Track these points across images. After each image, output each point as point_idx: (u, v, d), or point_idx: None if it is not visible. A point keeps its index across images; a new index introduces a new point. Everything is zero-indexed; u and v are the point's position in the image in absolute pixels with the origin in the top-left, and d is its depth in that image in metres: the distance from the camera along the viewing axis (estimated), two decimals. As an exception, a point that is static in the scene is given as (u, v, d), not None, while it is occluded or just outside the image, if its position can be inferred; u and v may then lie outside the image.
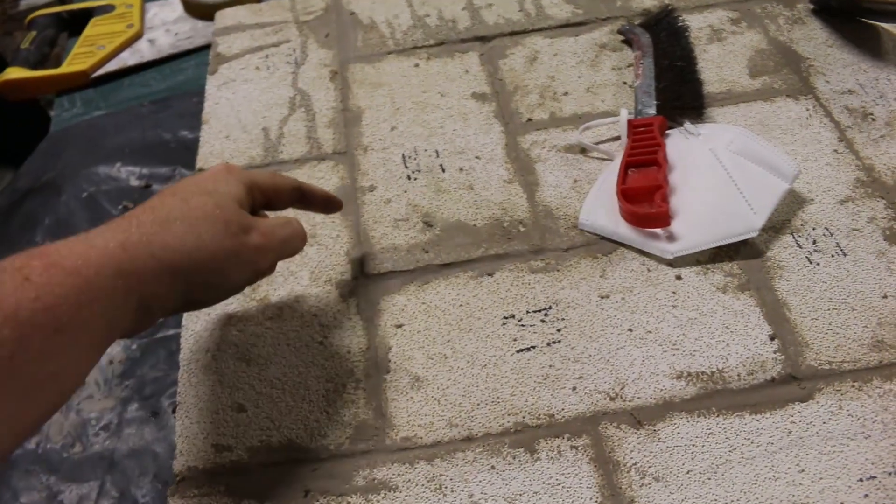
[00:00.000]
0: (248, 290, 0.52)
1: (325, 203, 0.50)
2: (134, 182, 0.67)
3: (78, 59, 0.78)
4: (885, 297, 0.49)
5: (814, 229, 0.53)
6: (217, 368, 0.49)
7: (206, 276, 0.39)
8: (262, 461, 0.45)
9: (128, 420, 0.52)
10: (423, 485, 0.43)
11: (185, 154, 0.67)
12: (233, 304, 0.52)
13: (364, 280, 0.52)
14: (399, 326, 0.50)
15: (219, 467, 0.45)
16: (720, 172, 0.53)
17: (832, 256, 0.51)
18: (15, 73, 0.77)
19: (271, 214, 0.46)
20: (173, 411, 0.51)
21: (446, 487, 0.43)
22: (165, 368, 0.54)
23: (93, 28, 0.81)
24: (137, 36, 0.81)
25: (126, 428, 0.52)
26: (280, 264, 0.52)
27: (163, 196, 0.40)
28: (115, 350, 0.55)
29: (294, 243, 0.45)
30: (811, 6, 0.69)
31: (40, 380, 0.32)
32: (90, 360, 0.35)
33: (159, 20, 0.82)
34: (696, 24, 0.67)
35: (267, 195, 0.45)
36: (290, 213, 0.49)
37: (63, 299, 0.32)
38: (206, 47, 0.77)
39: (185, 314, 0.52)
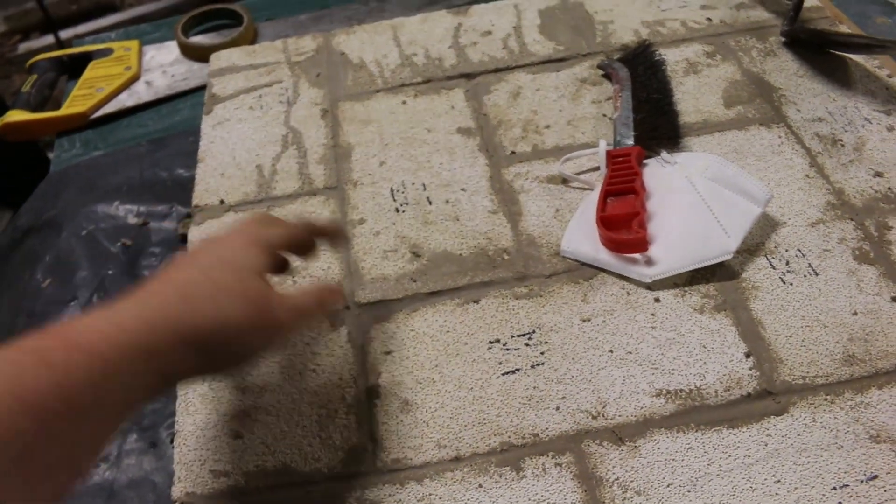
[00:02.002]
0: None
1: (334, 233, 0.50)
2: (132, 220, 0.69)
3: (77, 101, 0.81)
4: (855, 313, 0.51)
5: (787, 251, 0.55)
6: (213, 397, 0.50)
7: (229, 348, 0.39)
8: (259, 485, 0.46)
9: (127, 451, 0.53)
10: (413, 504, 0.44)
11: (181, 192, 0.69)
12: (229, 335, 0.53)
13: (355, 309, 0.54)
14: (388, 353, 0.51)
15: (217, 492, 0.46)
16: (695, 198, 0.55)
17: (804, 276, 0.53)
18: (16, 115, 0.80)
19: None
20: (171, 441, 0.53)
21: (436, 506, 0.44)
22: (163, 400, 0.56)
23: (92, 71, 0.84)
24: (135, 78, 0.83)
25: (125, 459, 0.53)
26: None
27: (182, 267, 0.40)
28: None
29: (319, 307, 0.44)
30: (782, 39, 0.71)
31: (58, 462, 0.31)
32: (108, 436, 0.35)
33: (156, 62, 0.85)
34: (673, 57, 0.70)
35: (288, 250, 0.46)
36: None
37: (85, 383, 0.32)
38: (202, 88, 0.80)
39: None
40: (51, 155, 1.34)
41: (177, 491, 0.46)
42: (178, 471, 0.47)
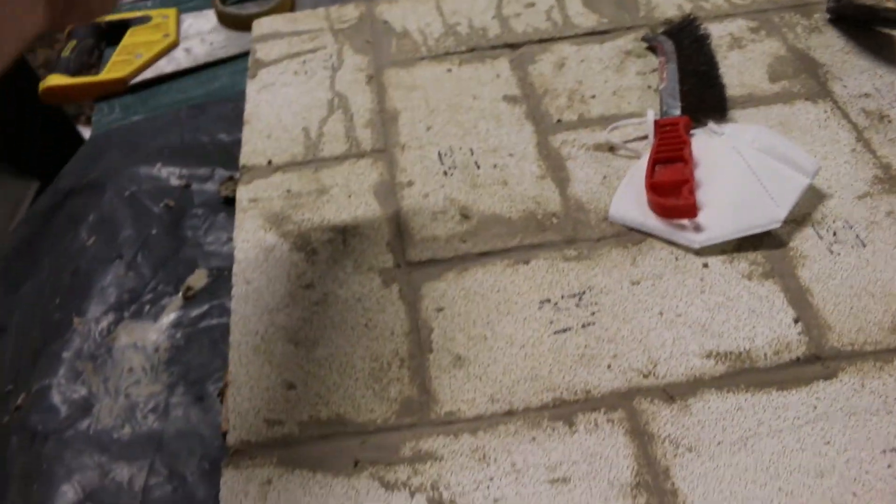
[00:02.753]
0: (293, 277, 0.55)
1: None
2: (174, 181, 0.69)
3: (116, 66, 0.82)
4: (903, 284, 0.52)
5: (834, 222, 0.55)
6: (266, 349, 0.51)
7: None
8: (313, 434, 0.47)
9: (174, 404, 0.54)
10: (467, 455, 0.45)
11: (222, 156, 0.70)
12: (279, 291, 0.54)
13: (405, 268, 0.55)
14: (440, 310, 0.52)
15: (270, 440, 0.47)
16: (744, 168, 0.56)
17: (852, 247, 0.54)
18: (56, 79, 0.81)
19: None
20: (218, 396, 0.54)
21: (489, 457, 0.45)
22: (209, 356, 0.57)
23: (130, 38, 0.85)
24: (173, 45, 0.84)
25: (173, 411, 0.54)
26: (325, 255, 0.55)
27: None
28: (160, 338, 0.58)
29: None
30: (828, 16, 0.71)
31: None
32: None
33: (195, 30, 0.86)
34: (717, 32, 0.70)
35: None
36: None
37: None
38: (240, 56, 0.80)
39: (234, 300, 0.54)
40: (79, 127, 1.35)
41: (231, 438, 0.47)
42: (232, 419, 0.48)
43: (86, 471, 0.51)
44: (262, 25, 0.77)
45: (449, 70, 0.69)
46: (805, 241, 0.54)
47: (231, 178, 0.67)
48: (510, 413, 0.47)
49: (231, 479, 0.45)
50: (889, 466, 0.43)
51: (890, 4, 0.68)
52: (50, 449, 0.53)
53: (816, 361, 0.48)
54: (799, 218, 0.56)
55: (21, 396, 0.57)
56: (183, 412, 0.54)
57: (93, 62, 0.85)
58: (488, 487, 0.44)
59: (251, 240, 0.57)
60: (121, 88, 0.81)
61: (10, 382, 0.59)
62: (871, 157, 0.59)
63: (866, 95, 0.64)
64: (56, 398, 0.55)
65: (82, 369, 0.57)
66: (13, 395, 0.57)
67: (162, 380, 0.56)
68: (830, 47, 0.69)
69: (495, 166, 0.61)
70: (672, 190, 0.55)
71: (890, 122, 0.62)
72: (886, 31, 0.69)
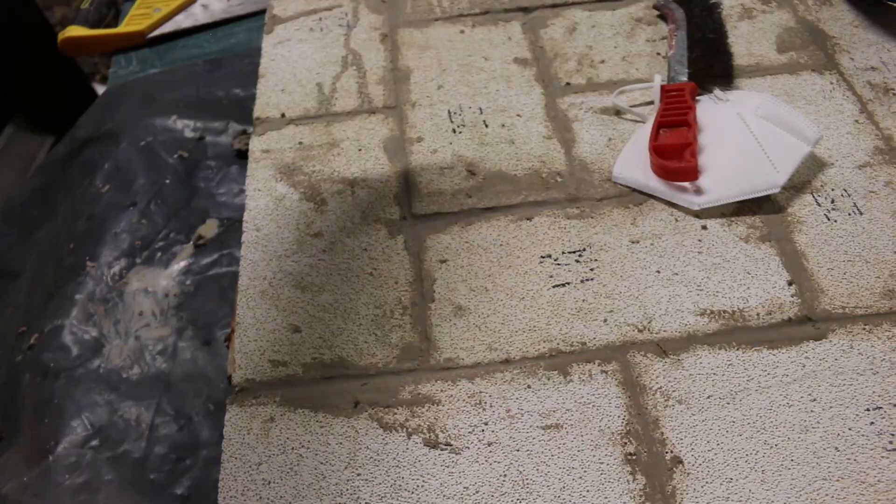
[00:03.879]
0: (302, 225, 0.56)
1: None
2: (189, 134, 0.71)
3: (135, 20, 0.83)
4: (897, 252, 0.53)
5: (833, 190, 0.56)
6: (273, 294, 0.53)
7: None
8: (315, 376, 0.49)
9: (182, 347, 0.56)
10: (464, 399, 0.47)
11: (237, 110, 0.71)
12: (288, 238, 0.55)
13: (411, 220, 0.56)
14: (443, 262, 0.53)
15: (274, 380, 0.49)
16: (746, 134, 0.57)
17: (849, 215, 0.55)
18: (76, 31, 0.82)
19: None
20: (225, 341, 0.55)
21: (485, 402, 0.46)
22: (218, 302, 0.58)
23: (149, -8, 0.86)
24: (192, 1, 0.85)
25: (181, 354, 0.56)
26: (333, 206, 0.56)
27: None
28: (171, 284, 0.59)
29: None
30: (838, -11, 0.72)
31: None
32: None
33: (213, -14, 0.86)
34: (728, 2, 0.71)
35: None
36: None
37: None
38: (257, 13, 0.81)
39: (244, 246, 0.55)
40: (95, 85, 1.36)
41: (237, 377, 0.49)
42: (238, 359, 0.50)
43: (95, 407, 0.53)
44: (278, -18, 0.78)
45: (462, 31, 0.70)
46: (803, 208, 0.55)
47: (244, 132, 0.68)
48: (507, 361, 0.48)
49: (235, 415, 0.47)
50: (871, 423, 0.45)
51: (902, -21, 0.69)
52: (61, 386, 0.54)
53: (807, 322, 0.49)
54: (799, 185, 0.57)
55: (34, 336, 0.58)
56: (190, 355, 0.56)
57: (112, 15, 0.86)
58: (483, 431, 0.45)
59: (263, 189, 0.59)
60: (139, 42, 0.82)
61: (24, 324, 0.61)
62: (873, 128, 0.60)
63: (873, 69, 0.65)
64: (68, 338, 0.57)
65: (94, 311, 0.59)
66: (26, 335, 0.59)
67: (171, 324, 0.57)
68: (840, 20, 0.69)
69: (503, 126, 0.62)
70: (675, 153, 0.56)
71: (895, 94, 0.62)
72: (897, 5, 0.70)
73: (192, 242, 0.63)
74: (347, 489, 0.43)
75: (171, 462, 0.51)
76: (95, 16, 0.84)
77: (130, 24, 0.82)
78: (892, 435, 0.44)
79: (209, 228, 0.64)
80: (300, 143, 0.62)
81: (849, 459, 0.43)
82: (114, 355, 0.56)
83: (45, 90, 1.19)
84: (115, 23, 0.84)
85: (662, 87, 0.61)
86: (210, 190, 0.67)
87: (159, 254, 0.62)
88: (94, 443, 0.51)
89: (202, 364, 0.56)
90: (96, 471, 0.50)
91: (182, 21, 0.83)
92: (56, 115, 1.26)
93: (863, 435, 0.44)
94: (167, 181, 0.67)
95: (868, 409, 0.45)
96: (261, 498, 0.43)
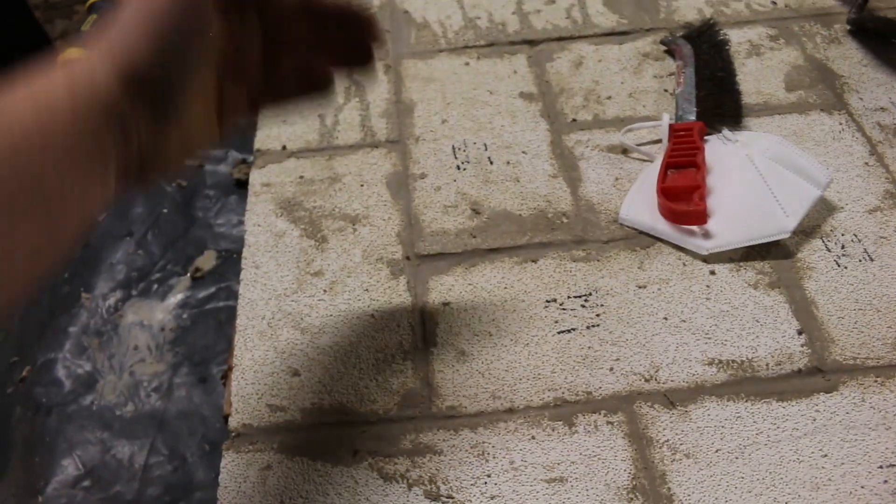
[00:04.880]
0: (302, 263, 0.55)
1: (345, 14, 0.39)
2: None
3: (136, 43, 0.81)
4: (909, 301, 0.52)
5: (843, 235, 0.55)
6: (272, 335, 0.51)
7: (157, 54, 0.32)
8: (314, 422, 0.47)
9: (178, 384, 0.55)
10: (466, 450, 0.45)
11: (236, 138, 0.70)
12: (288, 277, 0.54)
13: (414, 260, 0.55)
14: (446, 304, 0.52)
15: (272, 426, 0.47)
16: (755, 177, 0.56)
17: (860, 261, 0.54)
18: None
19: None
20: (221, 378, 0.54)
21: (488, 454, 0.45)
22: (215, 337, 0.57)
23: (151, 15, 0.85)
24: (194, 25, 0.84)
25: (176, 391, 0.54)
26: (335, 243, 0.55)
27: None
28: (167, 318, 0.58)
29: None
30: (848, 27, 0.71)
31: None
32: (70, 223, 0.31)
33: (215, 11, 0.86)
34: (736, 38, 0.70)
35: None
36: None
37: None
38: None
39: (243, 284, 0.54)
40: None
41: (233, 422, 0.48)
42: (235, 403, 0.48)
43: (87, 446, 0.52)
44: (281, 9, 0.77)
45: (467, 63, 0.69)
46: (813, 253, 0.54)
47: (244, 161, 0.67)
48: (511, 411, 0.47)
49: (231, 462, 0.46)
50: (885, 482, 0.44)
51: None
52: (53, 422, 0.53)
53: (818, 374, 0.48)
54: (808, 229, 0.56)
55: (26, 368, 0.57)
56: (186, 392, 0.55)
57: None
58: (486, 484, 0.44)
59: (262, 224, 0.58)
60: (138, 65, 0.81)
61: (16, 354, 0.60)
62: (883, 171, 0.59)
63: (882, 109, 0.64)
64: (61, 372, 0.56)
65: (88, 345, 0.58)
66: (18, 366, 0.58)
67: (166, 359, 0.56)
68: (849, 59, 0.68)
69: (508, 163, 0.61)
70: (683, 195, 0.55)
71: (905, 137, 0.62)
72: (907, 45, 0.69)
73: (189, 274, 0.61)
74: (346, 544, 0.42)
75: (165, 505, 0.49)
76: (95, 38, 0.83)
77: (131, 47, 0.81)
78: (906, 494, 0.43)
79: (207, 260, 0.63)
80: (301, 176, 0.61)
81: (861, 519, 0.42)
82: (107, 391, 0.55)
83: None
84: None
85: (671, 126, 0.60)
86: (208, 220, 0.65)
87: (156, 286, 0.60)
88: (86, 483, 0.50)
89: (198, 402, 0.54)
90: (87, 514, 0.49)
91: (183, 45, 0.82)
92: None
93: (876, 494, 0.43)
94: (164, 210, 0.66)
95: (881, 467, 0.44)
96: (256, 552, 0.42)
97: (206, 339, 0.57)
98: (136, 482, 0.50)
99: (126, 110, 0.32)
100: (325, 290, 0.54)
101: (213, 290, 0.60)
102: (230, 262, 0.61)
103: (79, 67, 0.31)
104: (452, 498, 0.43)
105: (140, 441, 0.52)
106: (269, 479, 0.45)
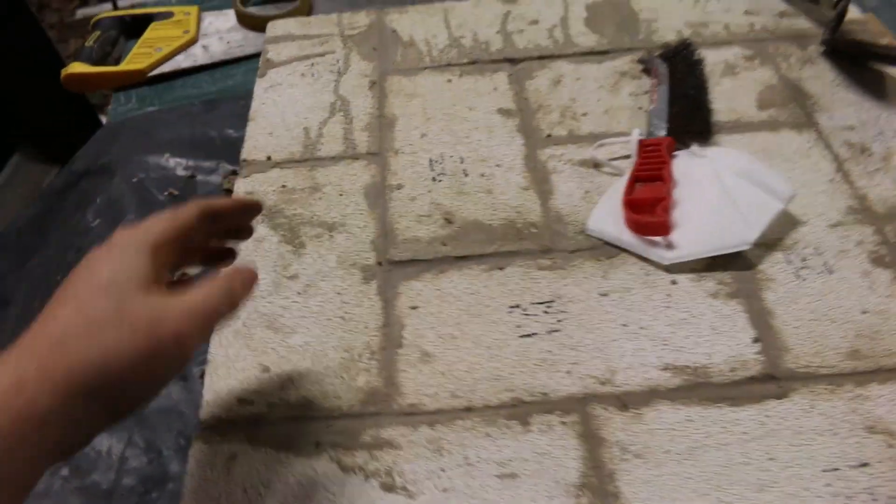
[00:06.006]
0: (279, 267, 0.57)
1: (241, 211, 0.47)
2: (180, 172, 0.72)
3: (136, 58, 0.85)
4: (864, 312, 0.53)
5: (804, 248, 0.57)
6: (246, 334, 0.54)
7: (126, 387, 0.34)
8: (280, 416, 0.49)
9: (159, 382, 0.57)
10: (423, 445, 0.47)
11: (228, 150, 0.73)
12: (265, 279, 0.57)
13: (386, 266, 0.57)
14: (414, 308, 0.54)
15: (241, 418, 0.49)
16: (720, 190, 0.58)
17: (819, 273, 0.55)
18: (79, 67, 0.84)
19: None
20: (200, 377, 0.56)
21: (444, 449, 0.47)
22: (198, 339, 0.59)
23: (152, 32, 0.88)
24: (192, 41, 0.87)
25: (157, 389, 0.56)
26: (311, 249, 0.58)
27: (55, 307, 0.35)
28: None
29: (228, 300, 0.39)
30: (822, 48, 0.73)
31: None
32: None
33: (214, 28, 0.89)
34: (713, 58, 0.72)
35: (179, 242, 0.40)
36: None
37: None
38: (256, 56, 0.83)
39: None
40: (102, 117, 1.39)
41: (204, 413, 0.50)
42: (206, 396, 0.51)
43: (69, 438, 0.54)
44: (275, 27, 0.80)
45: (449, 80, 0.72)
46: (774, 265, 0.56)
47: (234, 172, 0.70)
48: (469, 409, 0.49)
49: (199, 451, 0.48)
50: (828, 485, 0.45)
51: (883, 41, 0.70)
52: (38, 416, 0.55)
53: (771, 381, 0.50)
54: (770, 242, 0.57)
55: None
56: (166, 390, 0.57)
57: (115, 53, 0.89)
58: (439, 477, 0.46)
59: (243, 230, 0.60)
60: (139, 79, 0.84)
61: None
62: (848, 187, 0.61)
63: (851, 128, 0.66)
64: (49, 369, 0.58)
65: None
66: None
67: (150, 359, 0.58)
68: (821, 79, 0.70)
69: (482, 175, 0.63)
70: (648, 207, 0.57)
71: (871, 154, 0.63)
72: (878, 66, 0.71)
73: (175, 279, 0.64)
74: (302, 531, 0.44)
75: (139, 494, 0.51)
76: (99, 53, 0.87)
77: (132, 62, 0.85)
78: (848, 498, 0.44)
79: (192, 267, 0.65)
80: (283, 186, 0.63)
81: (803, 521, 0.44)
82: (91, 388, 0.57)
83: (53, 122, 1.21)
84: (118, 60, 0.87)
85: (640, 141, 0.62)
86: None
87: (143, 289, 0.63)
88: (64, 472, 0.52)
89: (177, 399, 0.56)
90: (63, 500, 0.51)
91: (182, 61, 0.85)
92: (64, 146, 1.29)
93: (819, 496, 0.44)
94: (156, 218, 0.68)
95: (825, 471, 0.45)
96: (217, 536, 0.44)
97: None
98: (112, 472, 0.52)
99: (72, 417, 0.33)
100: (299, 293, 0.56)
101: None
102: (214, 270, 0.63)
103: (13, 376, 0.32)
104: (407, 490, 0.45)
105: (118, 434, 0.54)
106: (233, 468, 0.47)
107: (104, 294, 0.35)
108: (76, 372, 0.32)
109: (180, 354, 0.36)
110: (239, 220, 0.47)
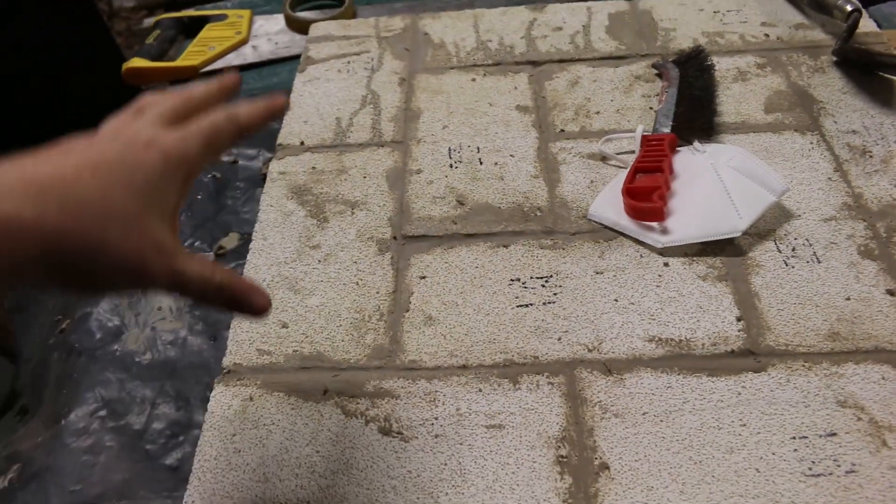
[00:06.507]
0: (304, 238, 0.63)
1: (268, 117, 0.44)
2: (225, 157, 0.78)
3: (191, 55, 0.92)
4: (848, 299, 0.56)
5: (795, 239, 0.60)
6: (269, 294, 0.59)
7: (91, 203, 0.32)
8: (294, 365, 0.54)
9: (191, 340, 0.62)
10: (420, 396, 0.52)
11: (270, 140, 0.78)
12: (290, 248, 0.62)
13: (401, 240, 0.62)
14: (423, 278, 0.59)
15: (258, 366, 0.55)
16: (716, 182, 0.61)
17: (807, 262, 0.58)
18: (138, 62, 0.91)
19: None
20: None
21: (439, 401, 0.52)
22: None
23: (207, 32, 0.95)
24: (243, 42, 0.94)
25: (189, 346, 0.62)
26: (334, 223, 0.63)
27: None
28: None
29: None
30: (834, 58, 0.76)
31: None
32: None
33: (263, 31, 0.96)
34: (726, 65, 0.76)
35: (185, 108, 0.40)
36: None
37: None
38: (300, 56, 0.90)
39: (251, 252, 0.62)
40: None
41: (226, 360, 0.55)
42: (230, 346, 0.56)
43: (107, 384, 0.60)
44: (318, 28, 0.87)
45: (473, 79, 0.77)
46: (764, 253, 0.59)
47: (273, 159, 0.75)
48: (464, 367, 0.53)
49: (220, 393, 0.53)
50: (795, 451, 0.48)
51: (893, 50, 0.73)
52: (82, 363, 0.61)
53: (749, 356, 0.53)
54: (763, 232, 0.61)
55: (66, 322, 0.66)
56: (197, 348, 0.62)
57: (172, 51, 0.96)
58: (432, 425, 0.50)
59: (274, 205, 0.66)
60: (192, 75, 0.91)
61: (60, 313, 0.69)
62: (845, 186, 0.64)
63: (854, 132, 0.68)
64: (94, 324, 0.64)
65: (119, 304, 0.66)
66: (61, 323, 0.67)
67: (184, 319, 0.64)
68: (830, 87, 0.73)
69: (496, 164, 0.68)
70: (645, 195, 0.61)
71: (871, 157, 0.66)
72: (887, 76, 0.73)
73: (213, 252, 0.70)
74: (306, 463, 0.49)
75: (166, 437, 0.57)
76: (157, 50, 0.94)
77: (187, 58, 0.91)
78: (813, 462, 0.47)
79: (230, 241, 0.71)
80: (313, 167, 0.69)
81: (767, 480, 0.47)
82: (130, 341, 0.63)
83: (110, 111, 1.29)
84: (174, 56, 0.94)
85: (644, 136, 0.66)
86: (236, 207, 0.74)
87: (183, 259, 0.68)
88: (102, 413, 0.58)
89: (206, 356, 0.62)
90: (100, 437, 0.56)
91: (233, 59, 0.92)
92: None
93: (784, 460, 0.48)
94: (199, 196, 0.74)
95: (794, 438, 0.49)
96: (230, 463, 0.49)
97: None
98: (144, 416, 0.58)
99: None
100: (319, 261, 0.61)
101: (233, 265, 0.68)
102: (250, 243, 0.69)
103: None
104: (402, 434, 0.50)
105: (152, 384, 0.60)
106: (248, 408, 0.52)
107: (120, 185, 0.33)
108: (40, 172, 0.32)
109: (163, 163, 0.35)
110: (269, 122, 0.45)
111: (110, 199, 0.32)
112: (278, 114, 0.45)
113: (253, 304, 0.38)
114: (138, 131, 0.36)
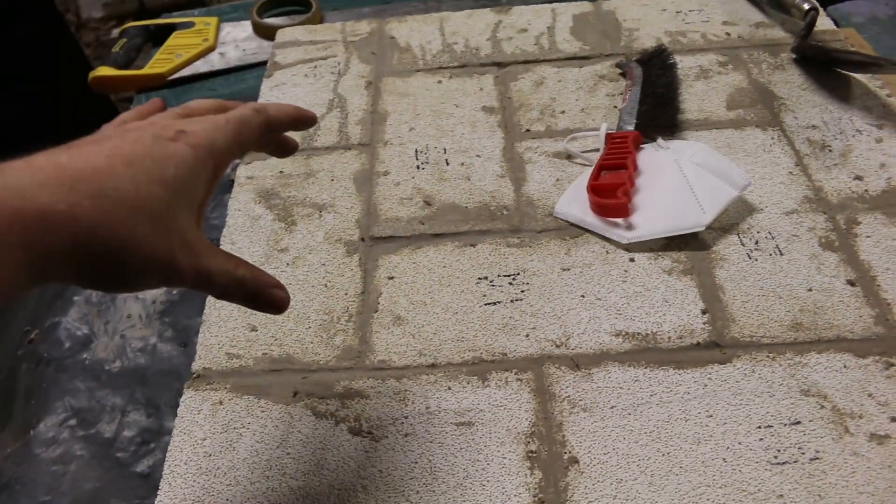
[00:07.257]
0: (272, 241, 0.63)
1: (297, 121, 0.45)
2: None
3: (158, 63, 0.92)
4: (810, 290, 0.57)
5: (758, 232, 0.61)
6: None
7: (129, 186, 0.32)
8: (263, 368, 0.54)
9: (161, 347, 0.62)
10: (390, 396, 0.52)
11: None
12: (258, 252, 0.62)
13: (368, 242, 0.62)
14: (391, 278, 0.59)
15: (228, 370, 0.55)
16: (679, 177, 0.62)
17: (770, 255, 0.59)
18: (105, 71, 0.91)
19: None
20: (201, 345, 0.61)
21: (408, 399, 0.52)
22: (199, 311, 0.64)
23: (174, 39, 0.95)
24: (211, 49, 0.94)
25: (159, 353, 0.62)
26: (302, 226, 0.63)
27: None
28: (158, 292, 0.66)
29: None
30: (793, 55, 0.77)
31: None
32: None
33: (231, 37, 0.96)
34: (688, 63, 0.77)
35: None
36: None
37: None
38: (268, 62, 0.90)
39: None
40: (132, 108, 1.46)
41: (196, 365, 0.55)
42: (199, 351, 0.56)
43: (76, 393, 0.59)
44: (284, 34, 0.87)
45: (439, 81, 0.77)
46: (728, 247, 0.60)
47: (240, 164, 0.75)
48: (433, 366, 0.54)
49: (189, 398, 0.53)
50: (761, 440, 0.49)
51: (849, 47, 0.74)
52: (51, 373, 0.61)
53: (715, 348, 0.54)
54: (727, 226, 0.62)
55: (35, 332, 0.65)
56: (167, 354, 0.62)
57: (139, 59, 0.96)
58: (402, 424, 0.50)
59: (242, 209, 0.66)
60: (159, 83, 0.91)
61: (30, 324, 0.68)
62: (805, 179, 0.65)
63: (813, 127, 0.70)
64: (63, 334, 0.64)
65: (88, 312, 0.66)
66: (30, 333, 0.66)
67: (154, 326, 0.64)
68: (790, 83, 0.75)
69: (462, 164, 0.68)
70: (610, 191, 0.61)
71: (830, 151, 0.67)
72: (844, 72, 0.75)
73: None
74: (277, 465, 0.49)
75: (137, 444, 0.56)
76: (124, 58, 0.93)
77: (153, 66, 0.91)
78: (779, 451, 0.48)
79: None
80: (281, 171, 0.69)
81: (734, 470, 0.47)
82: (100, 350, 0.62)
83: (78, 123, 1.28)
84: (141, 64, 0.93)
85: (608, 134, 0.67)
86: (205, 213, 0.74)
87: (151, 266, 0.68)
88: (72, 422, 0.57)
89: (177, 363, 0.61)
90: (70, 446, 0.56)
91: (200, 66, 0.92)
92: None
93: (751, 449, 0.48)
94: (167, 204, 0.74)
95: (760, 427, 0.49)
96: (200, 467, 0.49)
97: (191, 312, 0.64)
98: (114, 424, 0.58)
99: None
100: (287, 264, 0.61)
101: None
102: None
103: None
104: (372, 434, 0.50)
105: (122, 392, 0.59)
106: (218, 412, 0.52)
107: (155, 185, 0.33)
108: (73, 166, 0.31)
109: (192, 156, 0.35)
110: (293, 128, 0.46)
111: (141, 192, 0.32)
112: (306, 121, 0.46)
113: (272, 299, 0.40)
114: (167, 124, 0.36)
